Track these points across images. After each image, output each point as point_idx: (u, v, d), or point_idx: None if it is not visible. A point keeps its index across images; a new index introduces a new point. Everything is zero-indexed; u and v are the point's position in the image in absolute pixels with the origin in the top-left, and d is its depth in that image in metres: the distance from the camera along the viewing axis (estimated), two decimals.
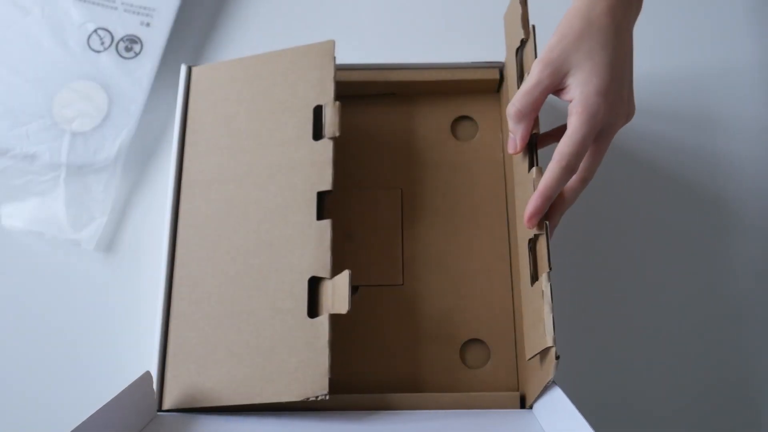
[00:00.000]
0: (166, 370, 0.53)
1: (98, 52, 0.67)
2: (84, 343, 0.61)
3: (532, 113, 0.51)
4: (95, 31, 0.67)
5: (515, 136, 0.52)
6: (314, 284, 0.53)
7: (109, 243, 0.63)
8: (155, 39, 0.68)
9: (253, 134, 0.58)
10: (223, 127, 0.58)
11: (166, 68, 0.67)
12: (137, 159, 0.66)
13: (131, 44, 0.68)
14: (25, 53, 0.66)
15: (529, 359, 0.51)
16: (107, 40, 0.67)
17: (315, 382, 0.49)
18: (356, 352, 0.58)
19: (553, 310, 0.46)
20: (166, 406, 0.52)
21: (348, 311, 0.50)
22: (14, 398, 0.59)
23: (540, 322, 0.47)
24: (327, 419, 0.52)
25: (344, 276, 0.51)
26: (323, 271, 0.52)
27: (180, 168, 0.58)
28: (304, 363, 0.50)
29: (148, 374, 0.51)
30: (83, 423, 0.42)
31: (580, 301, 0.62)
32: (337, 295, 0.51)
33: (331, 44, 0.58)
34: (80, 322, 0.61)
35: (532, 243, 0.51)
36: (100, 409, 0.43)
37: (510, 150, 0.53)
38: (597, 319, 0.62)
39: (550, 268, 0.47)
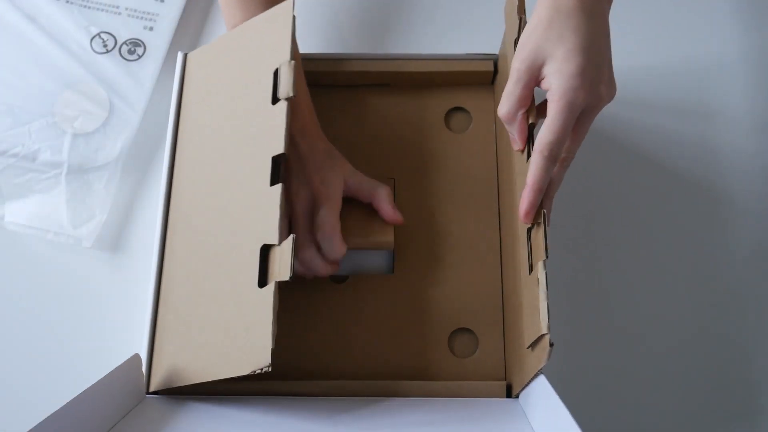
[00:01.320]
0: (153, 352, 0.53)
1: (101, 54, 0.68)
2: (84, 340, 0.61)
3: (520, 110, 0.51)
4: (98, 34, 0.69)
5: (512, 135, 0.52)
6: (267, 252, 0.50)
7: (111, 242, 0.64)
8: (158, 42, 0.69)
9: (226, 108, 0.57)
10: (205, 105, 0.58)
11: (169, 71, 0.68)
12: (139, 159, 0.66)
13: (134, 47, 0.69)
14: (28, 55, 0.67)
15: (528, 347, 0.50)
16: (110, 43, 0.69)
17: (259, 354, 0.46)
18: (345, 340, 0.58)
19: (548, 297, 0.46)
20: (152, 388, 0.52)
21: (291, 278, 0.47)
22: (13, 395, 0.59)
23: (536, 311, 0.46)
24: (314, 405, 0.52)
25: (289, 242, 0.48)
26: (272, 237, 0.49)
27: (173, 154, 0.58)
28: (252, 335, 0.48)
29: (137, 356, 0.51)
30: (69, 402, 0.42)
31: (574, 293, 0.61)
32: (282, 261, 0.48)
33: (290, 3, 0.55)
34: (81, 321, 0.61)
35: (529, 232, 0.51)
36: (88, 389, 0.43)
37: (514, 147, 0.53)
38: (591, 312, 0.61)
39: (547, 257, 0.47)
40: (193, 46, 0.71)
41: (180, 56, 0.62)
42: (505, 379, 0.56)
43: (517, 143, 0.53)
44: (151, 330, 0.54)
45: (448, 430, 0.49)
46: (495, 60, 0.63)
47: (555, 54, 0.48)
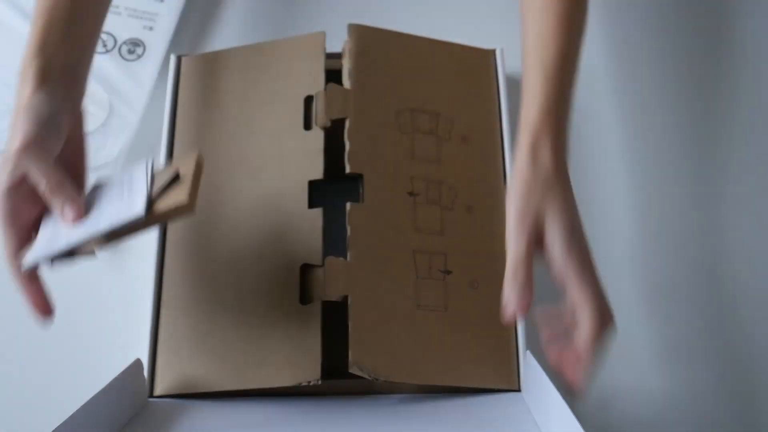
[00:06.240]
0: (157, 356, 0.53)
1: (101, 54, 0.68)
2: (84, 340, 0.61)
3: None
4: None
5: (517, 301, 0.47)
6: (306, 271, 0.53)
7: None
8: (158, 42, 0.69)
9: (243, 124, 0.58)
10: (212, 116, 0.59)
11: (168, 70, 0.68)
12: (139, 159, 0.66)
13: (134, 47, 0.69)
14: None
15: None
16: (110, 43, 0.69)
17: (307, 368, 0.50)
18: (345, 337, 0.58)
19: None
20: (157, 392, 0.52)
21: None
22: (13, 394, 0.59)
23: None
24: (317, 404, 0.52)
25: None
26: (315, 258, 0.53)
27: (170, 157, 0.59)
28: (296, 349, 0.50)
29: (138, 361, 0.51)
30: (76, 412, 0.42)
31: None
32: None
33: (322, 35, 0.59)
34: (80, 320, 0.61)
35: None
36: (92, 397, 0.44)
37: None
38: None
39: None
40: (193, 46, 0.71)
41: (173, 59, 0.62)
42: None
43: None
44: (153, 332, 0.54)
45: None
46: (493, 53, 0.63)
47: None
